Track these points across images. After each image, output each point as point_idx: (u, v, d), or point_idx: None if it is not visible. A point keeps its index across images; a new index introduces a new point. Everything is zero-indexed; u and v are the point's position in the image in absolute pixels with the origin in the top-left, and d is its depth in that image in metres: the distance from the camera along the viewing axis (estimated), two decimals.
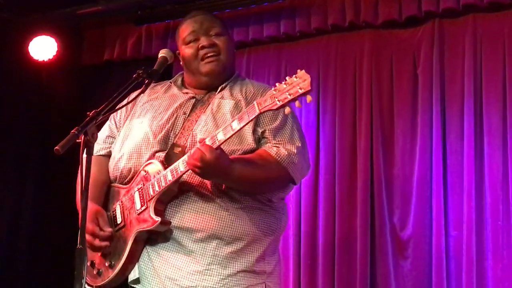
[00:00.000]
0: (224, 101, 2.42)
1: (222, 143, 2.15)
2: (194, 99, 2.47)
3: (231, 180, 2.22)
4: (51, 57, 4.41)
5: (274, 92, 2.07)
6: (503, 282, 3.31)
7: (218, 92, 2.46)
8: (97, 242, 2.29)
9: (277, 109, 2.07)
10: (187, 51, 2.47)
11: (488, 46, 3.50)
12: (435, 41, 3.61)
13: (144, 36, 4.45)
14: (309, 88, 2.01)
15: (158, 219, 2.22)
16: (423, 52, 3.65)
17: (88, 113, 1.98)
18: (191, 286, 2.22)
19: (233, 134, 2.14)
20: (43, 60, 4.43)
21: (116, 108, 2.33)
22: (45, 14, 4.45)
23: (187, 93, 2.50)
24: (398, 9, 3.67)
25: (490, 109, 3.43)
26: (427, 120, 3.57)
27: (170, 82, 2.60)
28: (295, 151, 2.34)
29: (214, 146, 2.13)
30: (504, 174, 3.37)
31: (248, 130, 2.31)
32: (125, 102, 2.33)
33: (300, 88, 2.02)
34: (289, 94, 2.04)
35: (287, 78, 2.06)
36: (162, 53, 2.40)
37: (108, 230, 2.31)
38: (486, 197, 3.39)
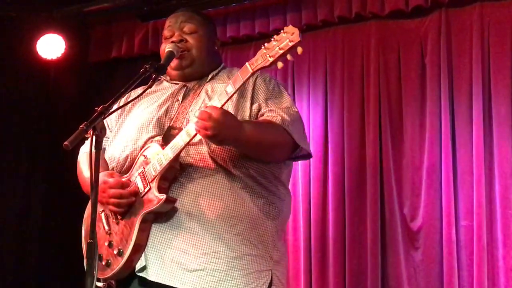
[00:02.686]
0: (217, 84, 2.42)
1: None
2: (186, 87, 2.48)
3: (243, 140, 2.18)
4: (59, 55, 4.43)
5: (265, 51, 2.08)
6: None
7: (209, 80, 2.48)
8: (126, 191, 2.26)
9: (270, 65, 2.08)
10: (162, 46, 2.50)
11: (495, 35, 3.48)
12: (442, 30, 3.60)
13: (150, 32, 4.46)
14: (299, 39, 2.03)
15: (163, 196, 2.20)
16: (430, 42, 3.64)
17: (96, 108, 1.99)
18: (198, 269, 2.20)
19: (229, 98, 2.14)
20: (51, 58, 4.45)
21: (122, 105, 2.35)
22: (52, 12, 4.47)
23: (177, 83, 2.52)
24: None
25: (499, 97, 3.42)
26: (435, 110, 3.56)
27: (161, 77, 2.59)
28: (295, 115, 2.36)
29: None
30: None
31: (247, 104, 2.33)
32: (132, 97, 2.35)
33: (290, 41, 2.04)
34: (280, 49, 2.05)
35: (274, 36, 2.08)
36: (168, 47, 2.41)
37: (126, 180, 2.30)
38: (496, 185, 3.38)
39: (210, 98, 2.36)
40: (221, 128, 2.09)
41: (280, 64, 2.07)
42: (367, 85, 3.79)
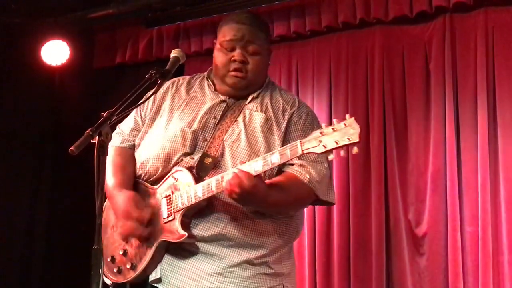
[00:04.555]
0: (255, 113, 2.37)
1: (259, 173, 2.13)
2: (225, 103, 2.43)
3: (266, 206, 2.22)
4: (63, 61, 4.45)
5: (320, 135, 2.00)
6: None
7: (249, 102, 2.42)
8: (142, 230, 2.26)
9: (321, 153, 2.02)
10: (220, 56, 2.42)
11: (500, 40, 3.49)
12: (446, 36, 3.61)
13: (155, 38, 4.48)
14: (358, 140, 1.93)
15: (185, 233, 2.20)
16: (434, 47, 3.64)
17: (102, 113, 1.98)
18: (212, 287, 2.23)
19: (271, 167, 2.12)
20: (56, 65, 4.46)
21: (131, 108, 2.33)
22: (57, 18, 4.48)
23: (218, 96, 2.46)
24: (408, 5, 3.67)
25: (504, 102, 3.42)
26: (440, 115, 3.56)
27: (204, 78, 2.55)
28: (324, 171, 2.31)
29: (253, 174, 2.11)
30: None
31: (278, 141, 2.31)
32: (143, 99, 2.32)
33: (349, 138, 1.95)
34: (336, 142, 1.96)
35: (335, 121, 1.99)
36: (174, 53, 2.38)
37: (148, 215, 2.28)
38: (501, 191, 3.37)
39: (246, 128, 2.33)
40: (246, 199, 2.12)
41: (331, 157, 2.01)
42: (371, 91, 3.79)
